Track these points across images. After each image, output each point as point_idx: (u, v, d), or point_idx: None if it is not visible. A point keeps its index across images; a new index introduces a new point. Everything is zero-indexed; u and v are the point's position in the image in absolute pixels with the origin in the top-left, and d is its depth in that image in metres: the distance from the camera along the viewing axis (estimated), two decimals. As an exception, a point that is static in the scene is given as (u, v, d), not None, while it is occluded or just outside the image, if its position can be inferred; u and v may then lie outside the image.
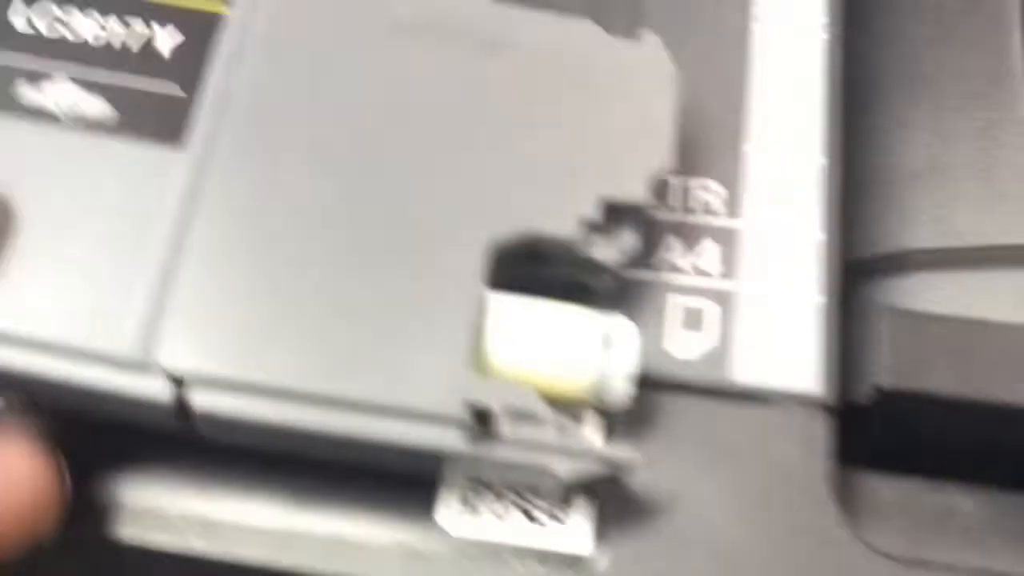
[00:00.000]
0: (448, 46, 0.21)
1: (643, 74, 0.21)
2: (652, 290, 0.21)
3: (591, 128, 0.20)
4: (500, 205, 0.20)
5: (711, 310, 0.21)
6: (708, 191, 0.22)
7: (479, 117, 0.20)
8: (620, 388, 0.19)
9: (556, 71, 0.21)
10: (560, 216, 0.20)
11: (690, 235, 0.22)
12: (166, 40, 0.21)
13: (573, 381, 0.19)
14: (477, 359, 0.19)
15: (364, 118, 0.20)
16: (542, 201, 0.20)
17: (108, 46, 0.21)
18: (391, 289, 0.19)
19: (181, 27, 0.21)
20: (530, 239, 0.20)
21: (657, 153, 0.20)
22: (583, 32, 0.21)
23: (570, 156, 0.20)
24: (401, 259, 0.19)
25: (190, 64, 0.21)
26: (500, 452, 0.18)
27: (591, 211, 0.20)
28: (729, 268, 0.21)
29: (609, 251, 0.20)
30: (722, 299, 0.21)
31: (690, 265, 0.21)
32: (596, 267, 0.20)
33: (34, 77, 0.20)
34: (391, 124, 0.20)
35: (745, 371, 0.21)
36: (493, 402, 0.18)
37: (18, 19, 0.21)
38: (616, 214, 0.20)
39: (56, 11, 0.21)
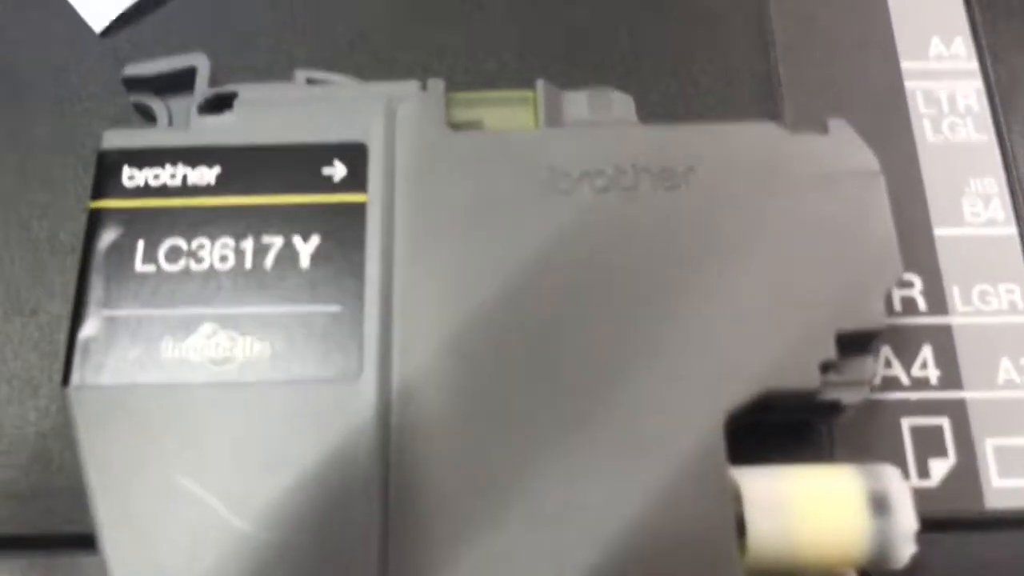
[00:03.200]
0: (620, 191, 0.17)
1: (846, 171, 0.18)
2: (878, 413, 0.18)
3: (809, 247, 0.17)
4: (732, 366, 0.17)
5: (944, 426, 0.19)
6: (908, 287, 0.19)
7: (683, 262, 0.17)
8: (904, 552, 0.16)
9: (751, 189, 0.18)
10: (799, 366, 0.17)
11: (904, 342, 0.19)
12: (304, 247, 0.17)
13: (850, 553, 0.16)
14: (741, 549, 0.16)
15: (554, 291, 0.17)
16: (776, 352, 0.17)
17: (240, 270, 0.17)
18: (636, 489, 0.16)
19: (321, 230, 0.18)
20: (764, 396, 0.17)
21: (888, 263, 0.17)
22: (765, 135, 0.18)
23: (795, 287, 0.17)
24: (638, 454, 0.16)
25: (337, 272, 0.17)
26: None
27: (830, 350, 0.17)
28: (950, 374, 0.19)
29: (852, 392, 0.17)
30: (952, 411, 0.19)
31: (909, 377, 0.19)
32: (833, 407, 0.17)
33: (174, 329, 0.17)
34: (586, 293, 0.17)
35: (996, 493, 0.18)
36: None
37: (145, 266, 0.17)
38: (851, 343, 0.17)
39: (182, 244, 0.17)
